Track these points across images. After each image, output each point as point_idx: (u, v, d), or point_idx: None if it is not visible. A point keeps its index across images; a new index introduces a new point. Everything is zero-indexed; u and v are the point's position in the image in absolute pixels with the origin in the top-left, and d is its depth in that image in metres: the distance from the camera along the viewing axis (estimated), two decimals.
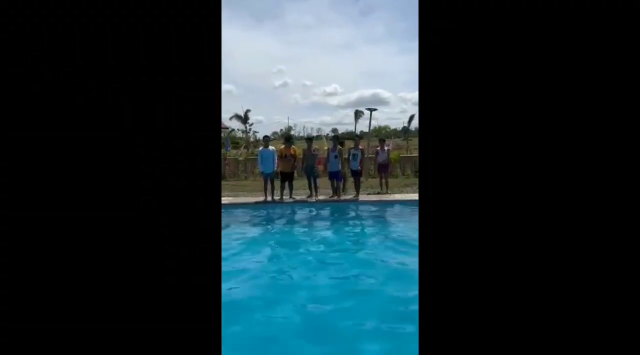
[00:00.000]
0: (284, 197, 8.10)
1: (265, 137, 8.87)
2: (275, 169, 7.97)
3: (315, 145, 9.11)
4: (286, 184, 8.12)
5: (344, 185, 8.60)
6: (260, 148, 8.56)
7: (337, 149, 8.33)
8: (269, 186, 8.00)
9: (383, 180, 8.91)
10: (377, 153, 9.18)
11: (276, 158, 7.98)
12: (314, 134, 45.40)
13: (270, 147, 8.21)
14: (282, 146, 8.29)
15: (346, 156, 8.51)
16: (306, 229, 6.14)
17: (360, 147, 8.58)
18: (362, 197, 8.17)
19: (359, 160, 8.26)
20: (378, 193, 8.71)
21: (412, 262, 4.12)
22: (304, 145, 9.31)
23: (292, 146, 8.53)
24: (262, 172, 8.12)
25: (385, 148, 9.19)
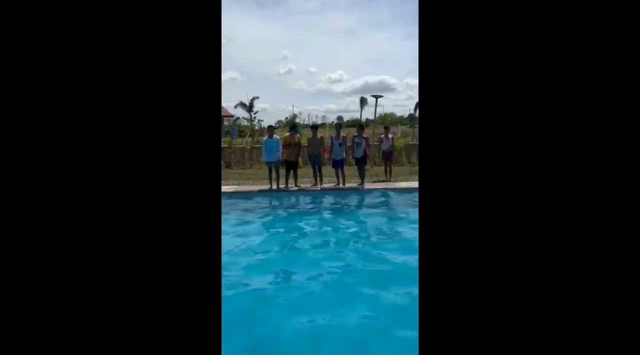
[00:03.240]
0: (288, 185, 8.13)
1: (270, 127, 8.87)
2: (280, 157, 7.98)
3: (319, 133, 9.08)
4: (291, 172, 8.15)
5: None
6: (265, 137, 8.56)
7: (341, 136, 8.30)
8: (273, 174, 8.03)
9: (387, 168, 8.89)
10: (381, 141, 9.13)
11: (280, 147, 7.99)
12: (319, 121, 45.27)
13: (275, 137, 8.21)
14: (287, 134, 8.29)
15: (350, 144, 8.48)
16: (311, 217, 6.18)
17: (365, 135, 8.54)
18: (367, 185, 8.17)
19: (362, 148, 8.23)
20: (383, 181, 8.71)
21: (414, 249, 4.12)
22: (309, 133, 9.29)
23: (297, 134, 8.51)
24: (266, 162, 8.14)
25: (390, 136, 9.13)
